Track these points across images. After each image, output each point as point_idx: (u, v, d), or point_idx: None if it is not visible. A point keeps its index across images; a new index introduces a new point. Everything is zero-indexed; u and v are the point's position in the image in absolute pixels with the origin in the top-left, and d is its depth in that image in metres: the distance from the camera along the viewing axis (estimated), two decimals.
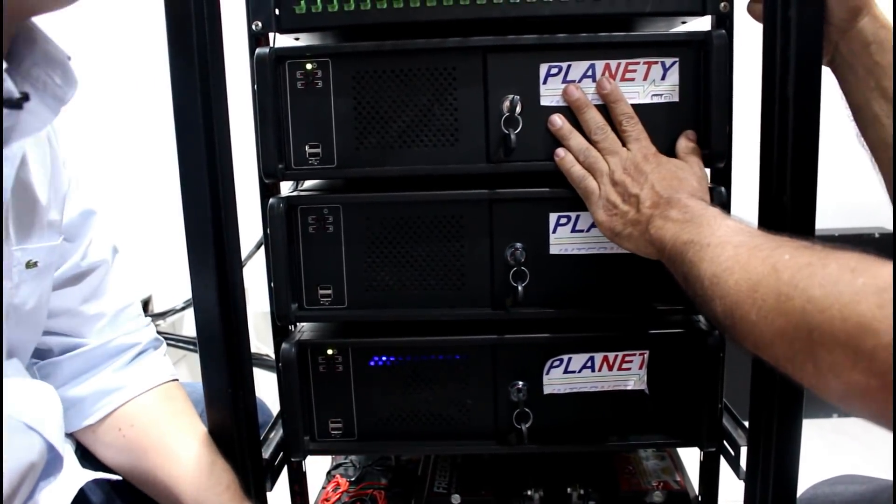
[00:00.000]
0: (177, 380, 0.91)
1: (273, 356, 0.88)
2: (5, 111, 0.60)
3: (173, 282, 1.55)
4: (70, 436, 0.85)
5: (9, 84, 0.58)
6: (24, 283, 0.73)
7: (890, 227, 1.75)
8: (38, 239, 0.75)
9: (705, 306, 0.61)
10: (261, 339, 1.68)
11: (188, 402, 0.89)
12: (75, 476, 0.78)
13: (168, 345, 1.62)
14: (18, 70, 0.62)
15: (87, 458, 0.86)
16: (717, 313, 0.58)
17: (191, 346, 1.55)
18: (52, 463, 0.72)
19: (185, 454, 0.80)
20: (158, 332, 1.60)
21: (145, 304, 1.61)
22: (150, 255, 1.54)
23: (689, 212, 0.67)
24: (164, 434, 0.83)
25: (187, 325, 1.78)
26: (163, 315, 1.58)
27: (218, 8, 0.75)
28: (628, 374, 0.84)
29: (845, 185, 1.58)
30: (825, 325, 0.47)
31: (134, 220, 1.48)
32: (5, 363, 0.74)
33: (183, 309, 1.62)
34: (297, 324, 0.90)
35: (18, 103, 0.59)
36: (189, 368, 1.66)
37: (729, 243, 0.60)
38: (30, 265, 0.73)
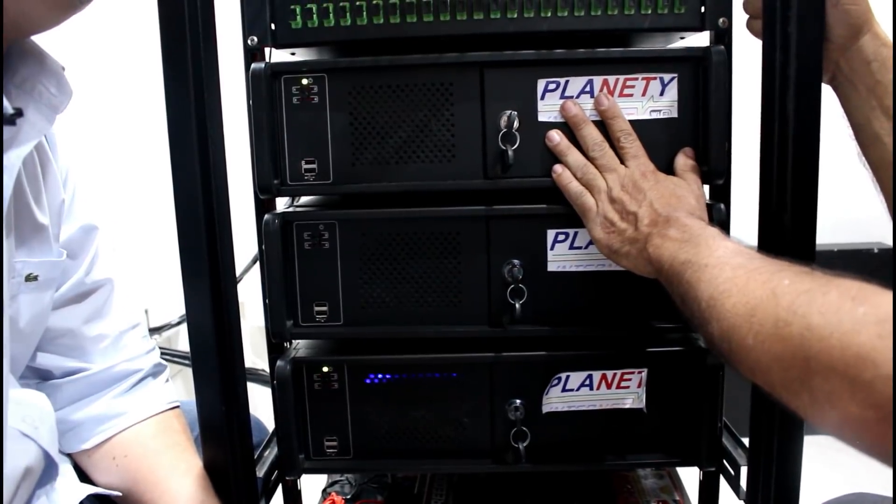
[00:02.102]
0: (177, 407, 0.90)
1: (268, 372, 0.87)
2: None
3: (169, 297, 1.54)
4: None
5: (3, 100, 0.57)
6: (22, 295, 0.72)
7: (889, 242, 1.75)
8: (39, 253, 0.74)
9: (702, 328, 0.60)
10: (257, 354, 1.68)
11: (186, 432, 0.88)
12: (74, 490, 0.77)
13: (164, 360, 1.61)
14: (13, 80, 0.62)
15: (84, 474, 0.85)
16: (713, 336, 0.58)
17: (186, 362, 1.54)
18: (47, 471, 0.72)
19: (177, 491, 0.79)
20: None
21: None
22: (146, 270, 1.53)
23: (688, 231, 0.66)
24: (157, 468, 0.82)
25: (183, 339, 1.77)
26: (158, 330, 1.57)
27: (213, 23, 0.74)
28: (627, 392, 0.83)
29: (844, 201, 1.57)
30: (823, 354, 0.46)
31: (129, 234, 1.47)
32: None
33: (178, 324, 1.61)
34: (293, 341, 0.89)
35: (12, 119, 0.59)
36: (185, 383, 1.64)
37: (727, 265, 0.59)
38: (30, 278, 0.72)
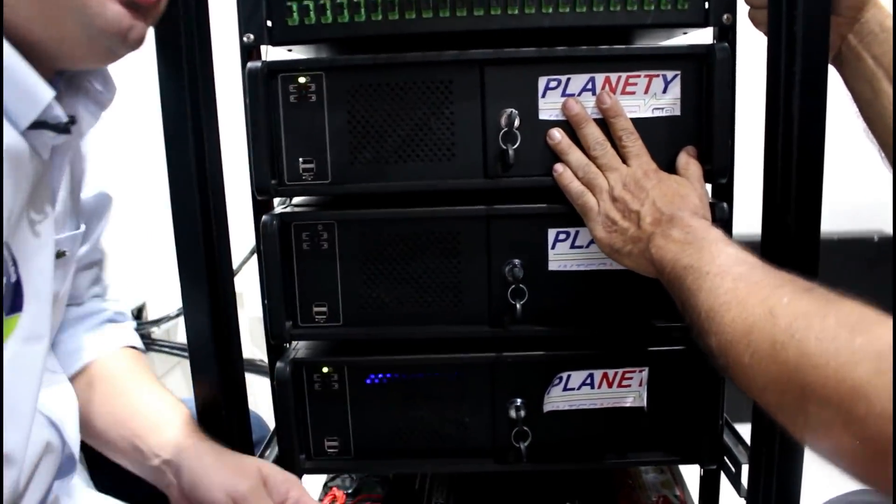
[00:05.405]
0: (139, 349, 0.90)
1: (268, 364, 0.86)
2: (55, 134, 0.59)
3: (167, 289, 1.54)
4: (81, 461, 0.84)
5: (58, 110, 0.57)
6: (55, 270, 0.72)
7: (889, 230, 1.74)
8: (62, 228, 0.74)
9: (701, 338, 0.60)
10: (256, 345, 1.67)
11: (148, 367, 0.87)
12: (91, 499, 0.77)
13: (162, 352, 1.62)
14: (62, 76, 0.61)
15: (95, 478, 0.85)
16: (712, 348, 0.58)
17: (185, 354, 1.54)
18: (67, 463, 0.72)
19: (147, 394, 0.80)
20: (153, 339, 1.59)
21: (139, 311, 1.59)
22: (144, 262, 1.52)
23: (692, 232, 0.66)
24: (128, 381, 0.82)
25: (181, 332, 1.76)
26: (157, 322, 1.56)
27: (206, 21, 0.73)
28: (628, 391, 0.82)
29: (844, 188, 1.56)
30: (818, 383, 0.46)
31: (127, 226, 1.46)
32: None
33: (177, 316, 1.60)
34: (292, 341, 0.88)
35: (66, 127, 0.59)
36: (184, 374, 1.64)
37: (728, 274, 0.59)
38: (59, 255, 0.71)
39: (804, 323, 0.49)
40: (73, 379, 0.80)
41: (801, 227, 0.70)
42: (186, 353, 0.81)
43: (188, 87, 0.72)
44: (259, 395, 1.25)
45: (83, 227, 0.77)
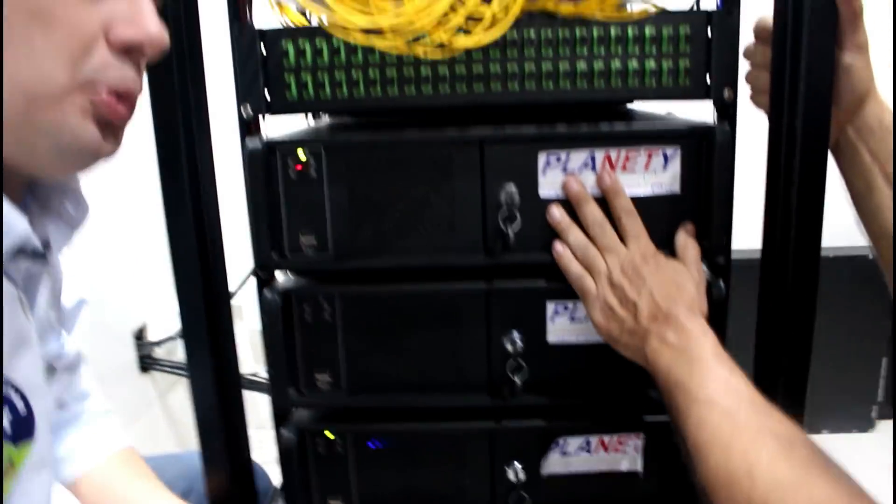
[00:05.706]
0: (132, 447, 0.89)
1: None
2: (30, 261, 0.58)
3: (168, 309, 1.55)
4: None
5: (32, 238, 0.55)
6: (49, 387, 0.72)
7: None
8: (46, 345, 0.73)
9: (687, 461, 0.63)
10: (257, 360, 1.69)
11: (146, 466, 0.87)
12: None
13: (164, 371, 1.63)
14: (35, 196, 0.61)
15: None
16: (697, 478, 0.61)
17: (185, 373, 1.55)
18: None
19: (151, 501, 0.80)
20: (154, 359, 1.60)
21: (140, 332, 1.60)
22: (145, 283, 1.52)
23: (685, 337, 0.67)
24: (128, 489, 0.82)
25: (181, 350, 1.77)
26: (158, 343, 1.58)
27: (204, 94, 0.73)
28: (624, 456, 0.84)
29: (839, 204, 1.55)
30: None
31: (128, 246, 1.46)
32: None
33: (177, 336, 1.61)
34: None
35: (43, 253, 0.58)
36: (185, 392, 1.66)
37: (716, 407, 0.61)
38: (50, 371, 0.70)
39: (779, 496, 0.52)
40: (69, 488, 0.79)
41: (801, 248, 0.73)
42: (187, 373, 0.83)
43: (187, 166, 0.72)
44: (260, 407, 1.27)
45: (64, 335, 0.76)
